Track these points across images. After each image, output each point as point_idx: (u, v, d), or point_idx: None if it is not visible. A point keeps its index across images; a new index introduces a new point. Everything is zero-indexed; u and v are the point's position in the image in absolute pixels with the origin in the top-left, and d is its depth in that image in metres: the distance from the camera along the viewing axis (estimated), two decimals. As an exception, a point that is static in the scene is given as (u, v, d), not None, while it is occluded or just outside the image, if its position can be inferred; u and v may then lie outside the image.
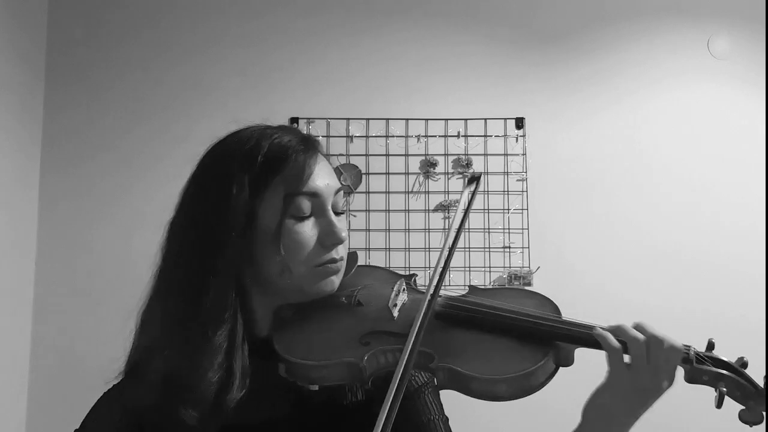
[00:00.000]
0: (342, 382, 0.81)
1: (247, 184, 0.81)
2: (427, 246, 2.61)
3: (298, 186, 0.82)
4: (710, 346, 0.81)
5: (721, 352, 0.81)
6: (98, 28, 2.68)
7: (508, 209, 2.63)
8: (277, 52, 2.70)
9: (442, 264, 0.79)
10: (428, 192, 2.64)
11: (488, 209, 2.63)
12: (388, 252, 2.60)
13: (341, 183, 0.90)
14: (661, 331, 0.78)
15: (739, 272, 2.61)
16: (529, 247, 2.60)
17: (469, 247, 2.61)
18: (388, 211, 2.62)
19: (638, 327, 0.80)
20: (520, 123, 2.67)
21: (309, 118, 2.65)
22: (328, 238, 0.84)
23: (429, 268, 2.59)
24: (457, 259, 2.60)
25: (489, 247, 2.60)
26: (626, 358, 0.78)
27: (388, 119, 2.66)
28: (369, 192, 2.63)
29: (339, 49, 2.71)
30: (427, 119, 2.66)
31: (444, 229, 2.63)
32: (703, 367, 0.78)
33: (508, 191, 2.64)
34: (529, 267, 2.58)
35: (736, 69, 2.73)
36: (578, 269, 2.59)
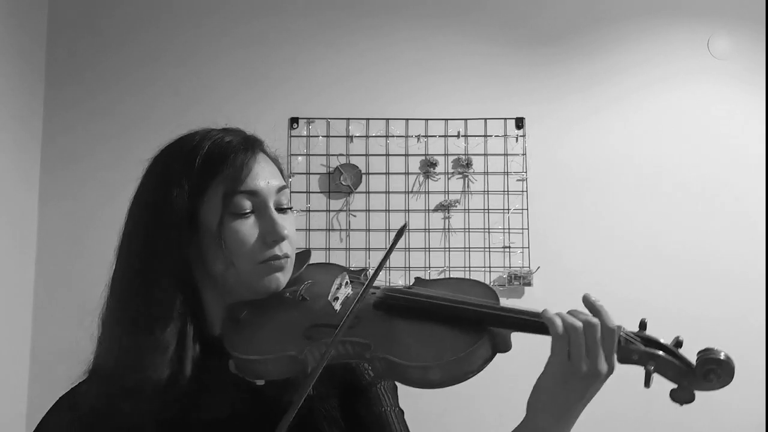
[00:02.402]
0: (286, 376, 0.81)
1: (187, 185, 0.83)
2: (427, 246, 2.61)
3: (236, 185, 0.84)
4: (642, 325, 0.81)
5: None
6: (98, 28, 2.68)
7: (508, 209, 2.63)
8: (276, 52, 2.70)
9: (381, 257, 0.79)
10: (428, 192, 2.64)
11: (488, 209, 2.63)
12: (388, 252, 2.59)
13: (286, 182, 0.92)
14: (591, 316, 0.78)
15: (739, 273, 2.61)
16: (529, 247, 2.60)
17: (469, 247, 2.61)
18: (388, 211, 2.62)
19: (571, 312, 0.79)
20: (520, 123, 2.67)
21: (309, 118, 2.65)
22: (269, 235, 0.85)
23: (429, 268, 2.59)
24: (457, 259, 2.60)
25: (489, 247, 2.60)
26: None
27: (388, 119, 2.66)
28: (369, 192, 2.63)
29: (339, 49, 2.71)
30: (427, 119, 2.66)
31: (444, 229, 2.63)
32: (632, 346, 0.77)
33: (508, 191, 2.64)
34: (529, 267, 2.58)
35: (736, 69, 2.73)
36: (578, 269, 2.59)
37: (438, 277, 1.09)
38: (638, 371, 0.78)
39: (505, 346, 0.82)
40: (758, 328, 2.53)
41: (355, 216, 2.61)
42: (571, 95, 2.71)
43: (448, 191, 2.64)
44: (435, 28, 2.73)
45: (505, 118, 2.67)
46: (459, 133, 2.67)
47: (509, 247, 2.61)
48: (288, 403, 0.73)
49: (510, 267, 2.59)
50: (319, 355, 0.78)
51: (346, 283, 0.89)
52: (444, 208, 2.64)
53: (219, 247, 0.83)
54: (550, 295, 2.50)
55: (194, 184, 0.84)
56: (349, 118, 2.65)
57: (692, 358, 0.78)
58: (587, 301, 0.81)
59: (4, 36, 2.35)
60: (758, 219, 2.64)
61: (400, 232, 0.81)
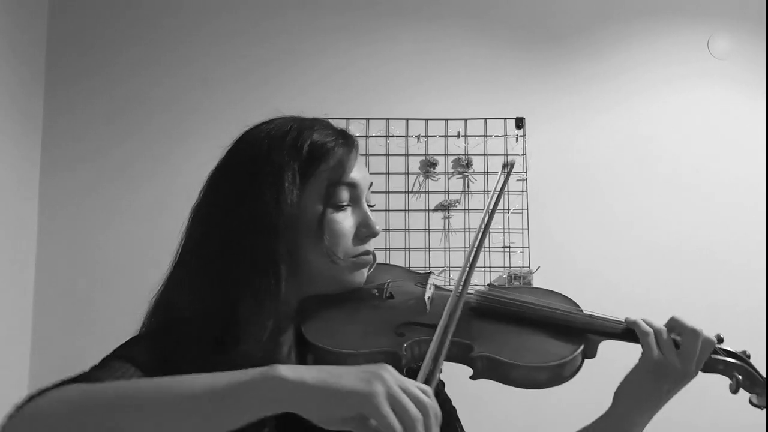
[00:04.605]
0: None
1: (293, 173, 0.82)
2: (427, 246, 2.61)
3: (341, 175, 0.84)
4: (719, 339, 0.87)
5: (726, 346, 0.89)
6: (98, 30, 2.68)
7: (508, 209, 2.63)
8: (277, 53, 2.69)
9: (471, 257, 0.83)
10: (428, 192, 2.64)
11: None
12: (388, 252, 2.59)
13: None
14: (696, 323, 0.85)
15: (739, 271, 2.61)
16: (529, 247, 2.60)
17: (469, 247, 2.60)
18: (388, 211, 2.62)
19: (673, 320, 0.87)
20: (520, 123, 2.67)
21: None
22: (365, 229, 0.86)
23: (429, 268, 2.59)
24: (458, 259, 2.60)
25: (489, 247, 2.60)
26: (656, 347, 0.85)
27: (388, 119, 2.66)
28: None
29: (339, 50, 2.71)
30: (427, 119, 2.66)
31: (444, 229, 2.63)
32: (719, 357, 0.86)
33: (508, 191, 2.64)
34: (529, 267, 2.58)
35: (736, 69, 2.73)
36: (578, 269, 2.59)
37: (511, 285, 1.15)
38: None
39: (593, 353, 0.87)
40: (761, 323, 2.52)
41: (355, 216, 2.61)
42: (571, 95, 2.71)
43: (448, 191, 2.64)
44: (435, 29, 2.73)
45: (505, 118, 2.67)
46: (459, 133, 2.67)
47: (509, 247, 2.61)
48: None
49: (510, 267, 2.59)
50: (411, 354, 0.80)
51: (433, 284, 0.93)
52: (444, 208, 2.64)
53: (317, 237, 0.82)
54: (550, 295, 2.50)
55: (302, 172, 0.82)
56: (348, 118, 2.65)
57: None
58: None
59: (4, 38, 2.35)
60: (758, 218, 2.64)
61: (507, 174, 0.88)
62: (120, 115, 2.63)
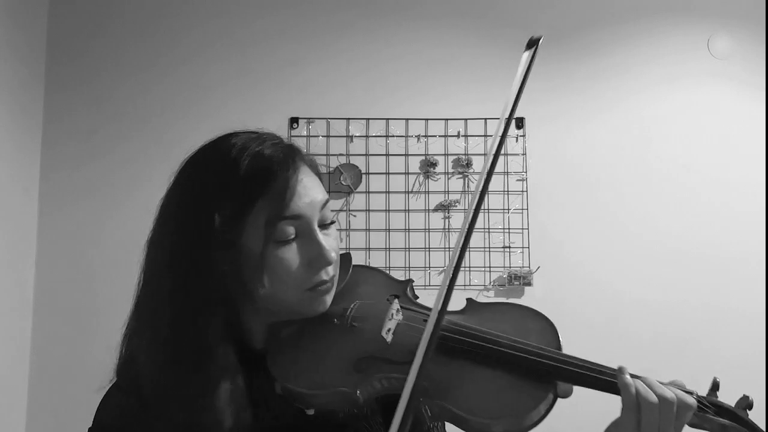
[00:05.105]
0: (338, 408, 0.81)
1: (227, 207, 0.78)
2: (427, 246, 2.61)
3: (280, 210, 0.78)
4: (714, 386, 0.80)
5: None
6: (98, 31, 2.68)
7: (508, 209, 2.63)
8: (277, 52, 2.69)
9: (442, 299, 0.66)
10: (428, 192, 2.64)
11: (488, 209, 2.63)
12: (388, 252, 2.60)
13: (326, 191, 0.86)
14: (668, 390, 0.75)
15: (739, 270, 2.61)
16: (529, 247, 2.60)
17: (469, 247, 2.60)
18: (388, 211, 2.62)
19: (648, 383, 0.76)
20: (520, 123, 2.67)
21: (309, 118, 2.65)
22: (316, 260, 0.80)
23: (429, 268, 2.59)
24: (457, 259, 2.59)
25: (489, 247, 2.60)
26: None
27: (388, 119, 2.66)
28: (369, 192, 2.63)
29: (339, 50, 2.71)
30: (427, 119, 2.66)
31: (444, 229, 2.62)
32: (707, 415, 0.77)
33: (508, 191, 2.64)
34: (529, 267, 2.58)
35: (736, 69, 2.73)
36: (578, 269, 2.59)
37: (489, 301, 1.04)
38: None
39: (566, 394, 0.80)
40: (759, 325, 2.52)
41: (355, 216, 2.61)
42: (571, 95, 2.71)
43: (448, 191, 2.64)
44: (435, 29, 2.73)
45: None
46: (459, 133, 2.67)
47: (509, 247, 2.61)
48: (341, 418, 0.78)
49: (510, 267, 2.59)
50: (371, 390, 0.77)
51: (397, 310, 0.84)
52: (444, 208, 2.64)
53: (261, 273, 0.78)
54: (550, 295, 2.50)
55: (235, 207, 0.78)
56: (349, 118, 2.65)
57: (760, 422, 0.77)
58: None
59: (4, 38, 2.34)
60: (758, 217, 2.64)
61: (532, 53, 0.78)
62: (120, 115, 2.63)
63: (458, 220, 2.63)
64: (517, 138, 2.66)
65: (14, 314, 2.41)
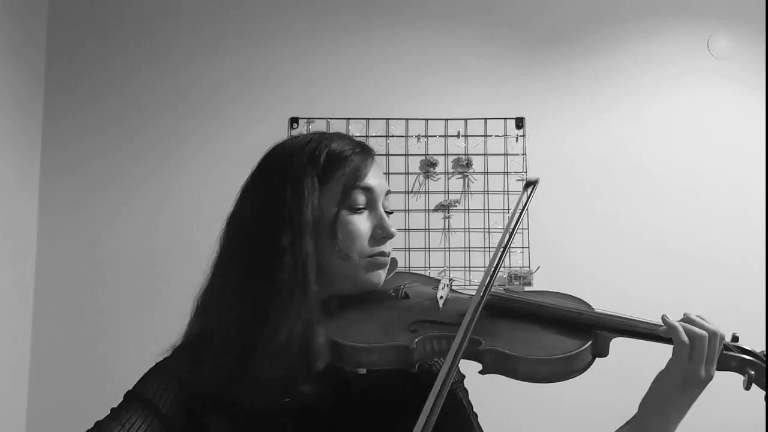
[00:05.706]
0: (390, 366, 0.85)
1: (311, 179, 0.88)
2: (427, 246, 2.61)
3: (356, 180, 0.90)
4: (735, 338, 0.89)
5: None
6: (98, 31, 2.68)
7: (508, 209, 2.63)
8: (277, 52, 2.70)
9: (495, 262, 0.84)
10: (428, 192, 2.64)
11: (488, 209, 2.63)
12: (388, 252, 2.59)
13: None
14: (710, 324, 0.85)
15: (739, 269, 2.62)
16: (529, 247, 2.60)
17: (470, 247, 2.61)
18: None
19: (690, 320, 0.86)
20: (520, 123, 2.67)
21: (309, 118, 2.65)
22: (380, 230, 0.91)
23: (429, 268, 2.59)
24: (457, 259, 2.60)
25: (489, 247, 2.61)
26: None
27: (388, 119, 2.66)
28: (369, 192, 2.63)
29: (339, 50, 2.71)
30: (427, 119, 2.66)
31: (444, 229, 2.63)
32: (732, 353, 0.86)
33: (508, 191, 2.64)
34: (529, 267, 2.58)
35: (736, 69, 2.73)
36: (578, 269, 2.59)
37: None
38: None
39: (604, 351, 0.89)
40: (760, 324, 2.53)
41: (355, 216, 2.61)
42: (571, 95, 2.71)
43: (448, 191, 2.64)
44: (435, 29, 2.73)
45: (505, 118, 2.67)
46: (459, 133, 2.67)
47: (509, 247, 2.60)
48: (385, 393, 0.86)
49: (510, 267, 2.59)
50: (423, 350, 0.84)
51: (447, 284, 0.97)
52: (444, 208, 2.64)
53: (333, 238, 0.88)
54: (550, 295, 2.50)
55: (320, 177, 0.89)
56: (349, 118, 2.65)
57: None
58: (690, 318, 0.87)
59: (4, 38, 2.35)
60: (759, 217, 2.65)
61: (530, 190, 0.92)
62: (120, 115, 2.63)
63: (458, 220, 2.63)
64: (517, 138, 2.66)
65: (14, 314, 2.41)
